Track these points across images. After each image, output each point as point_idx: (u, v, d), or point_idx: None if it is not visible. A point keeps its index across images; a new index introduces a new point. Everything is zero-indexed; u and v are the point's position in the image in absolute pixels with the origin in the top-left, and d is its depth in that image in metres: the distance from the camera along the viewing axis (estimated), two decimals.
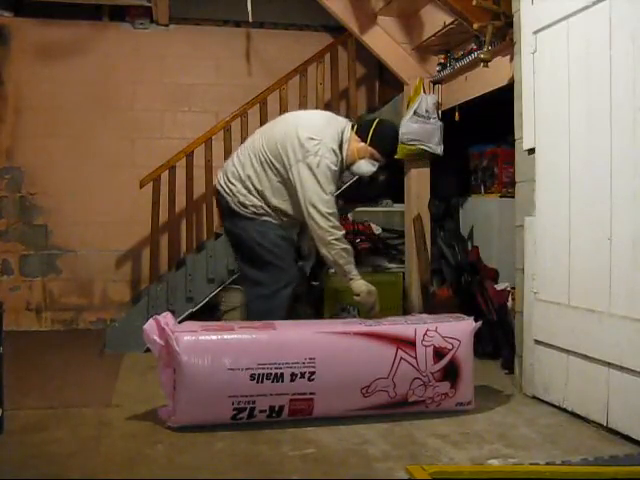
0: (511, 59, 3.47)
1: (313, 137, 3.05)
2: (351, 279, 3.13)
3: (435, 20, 4.29)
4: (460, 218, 4.78)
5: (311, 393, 2.65)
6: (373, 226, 4.88)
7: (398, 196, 5.01)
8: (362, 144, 3.16)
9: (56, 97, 5.12)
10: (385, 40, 4.58)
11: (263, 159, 3.17)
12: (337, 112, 4.86)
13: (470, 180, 4.90)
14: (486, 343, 3.71)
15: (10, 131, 5.10)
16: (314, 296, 3.35)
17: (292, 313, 3.19)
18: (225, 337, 2.65)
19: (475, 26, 3.59)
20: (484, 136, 4.60)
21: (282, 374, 2.60)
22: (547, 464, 2.28)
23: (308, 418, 2.68)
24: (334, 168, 3.07)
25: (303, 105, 4.81)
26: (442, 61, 4.54)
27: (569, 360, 2.84)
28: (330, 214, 3.05)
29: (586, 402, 2.73)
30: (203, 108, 5.35)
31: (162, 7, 5.11)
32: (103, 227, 5.19)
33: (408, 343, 2.75)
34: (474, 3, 3.42)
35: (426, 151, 4.52)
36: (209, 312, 4.55)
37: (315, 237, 3.11)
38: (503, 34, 3.53)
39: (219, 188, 3.30)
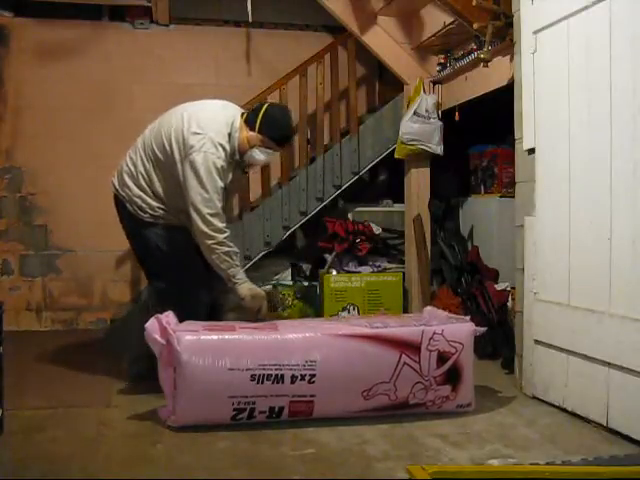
0: (511, 59, 3.47)
1: (198, 131, 2.92)
2: (235, 283, 3.00)
3: (435, 20, 4.29)
4: (460, 218, 4.78)
5: (311, 395, 2.65)
6: (373, 226, 4.87)
7: (398, 196, 5.02)
8: (252, 133, 3.02)
9: (56, 97, 5.12)
10: (385, 40, 4.59)
11: (152, 156, 3.07)
12: (337, 112, 4.95)
13: (470, 180, 4.90)
14: (486, 343, 3.71)
15: (10, 131, 5.10)
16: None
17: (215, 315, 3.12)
18: (226, 337, 2.64)
19: (475, 26, 3.59)
20: (484, 136, 4.60)
21: (282, 375, 2.59)
22: (547, 464, 2.28)
23: (308, 418, 2.68)
24: (220, 164, 2.92)
25: (303, 105, 4.82)
26: (442, 61, 4.55)
27: (569, 360, 2.84)
28: (212, 215, 2.91)
29: (586, 402, 2.73)
30: None
31: (162, 7, 5.11)
32: (103, 227, 5.14)
33: (413, 347, 2.72)
34: (474, 3, 3.42)
35: (426, 151, 4.52)
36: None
37: (197, 240, 3.00)
38: (503, 34, 3.53)
39: (115, 191, 3.20)
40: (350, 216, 5.02)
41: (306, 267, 5.13)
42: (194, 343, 2.58)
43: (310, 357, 2.63)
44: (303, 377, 2.61)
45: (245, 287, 3.02)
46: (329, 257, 4.84)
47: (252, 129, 3.02)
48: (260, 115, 3.01)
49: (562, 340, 2.87)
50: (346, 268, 4.79)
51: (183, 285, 3.08)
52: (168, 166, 3.03)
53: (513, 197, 3.45)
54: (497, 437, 2.58)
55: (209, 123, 2.96)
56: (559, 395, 2.91)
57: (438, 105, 4.54)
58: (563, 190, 2.88)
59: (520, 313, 3.25)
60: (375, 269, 4.82)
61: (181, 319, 2.76)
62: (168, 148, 3.01)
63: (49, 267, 5.17)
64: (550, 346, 2.96)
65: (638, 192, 2.45)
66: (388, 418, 2.73)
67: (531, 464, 2.28)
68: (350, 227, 4.78)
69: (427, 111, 4.46)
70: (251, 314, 3.05)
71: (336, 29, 5.16)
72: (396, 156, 4.68)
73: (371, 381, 2.70)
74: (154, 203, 3.09)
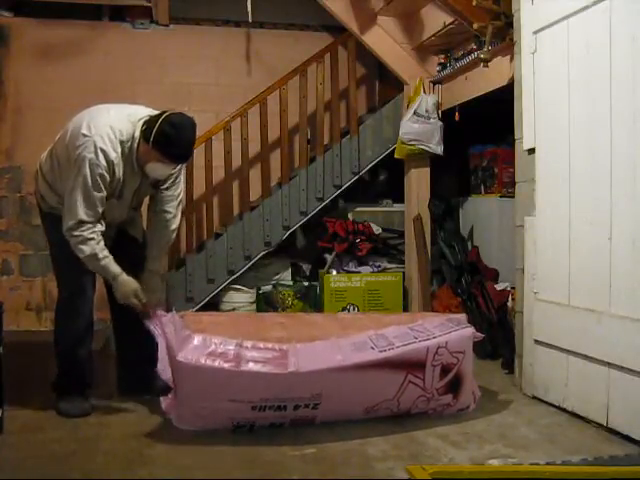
0: (511, 59, 3.47)
1: (85, 133, 2.74)
2: (113, 279, 2.90)
3: (435, 20, 4.29)
4: (460, 218, 4.78)
5: (313, 416, 2.63)
6: (373, 226, 4.88)
7: (398, 196, 5.02)
8: (147, 146, 2.75)
9: (56, 97, 5.11)
10: (385, 40, 4.59)
11: (54, 155, 2.97)
12: (337, 112, 4.95)
13: (470, 180, 4.90)
14: (486, 343, 3.71)
15: (10, 131, 5.10)
16: None
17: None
18: (229, 371, 2.48)
19: (475, 26, 3.59)
20: (484, 136, 4.60)
21: (285, 406, 2.55)
22: (547, 464, 2.28)
23: None
24: (98, 171, 2.71)
25: (303, 105, 4.82)
26: (442, 61, 4.55)
27: (569, 360, 2.84)
28: (74, 226, 2.72)
29: (586, 402, 2.73)
30: (203, 108, 5.33)
31: (162, 7, 5.11)
32: None
33: (418, 366, 2.66)
34: (474, 3, 3.42)
35: (426, 151, 4.52)
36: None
37: None
38: (503, 34, 3.54)
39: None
40: (350, 216, 5.03)
41: (306, 267, 5.14)
42: (194, 370, 2.47)
43: (315, 391, 2.55)
44: (307, 406, 2.57)
45: (116, 283, 2.91)
46: (329, 257, 4.84)
47: (147, 142, 2.75)
48: (155, 129, 2.72)
49: (562, 340, 2.87)
50: (346, 268, 4.79)
51: (68, 282, 3.07)
52: (65, 170, 2.88)
53: (513, 197, 3.45)
54: (497, 437, 2.58)
55: (100, 127, 2.75)
56: (559, 395, 2.91)
57: (438, 105, 4.54)
58: (563, 190, 2.88)
59: (520, 313, 3.25)
60: (375, 269, 4.82)
61: (65, 317, 3.04)
62: (70, 149, 2.84)
63: (49, 267, 5.12)
64: (550, 346, 2.96)
65: (638, 192, 2.45)
66: (388, 418, 2.73)
67: (531, 464, 2.28)
68: (350, 227, 4.78)
69: (427, 111, 4.46)
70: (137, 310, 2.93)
71: (336, 29, 5.16)
72: (396, 156, 4.68)
73: (375, 400, 2.67)
74: (55, 196, 2.96)
